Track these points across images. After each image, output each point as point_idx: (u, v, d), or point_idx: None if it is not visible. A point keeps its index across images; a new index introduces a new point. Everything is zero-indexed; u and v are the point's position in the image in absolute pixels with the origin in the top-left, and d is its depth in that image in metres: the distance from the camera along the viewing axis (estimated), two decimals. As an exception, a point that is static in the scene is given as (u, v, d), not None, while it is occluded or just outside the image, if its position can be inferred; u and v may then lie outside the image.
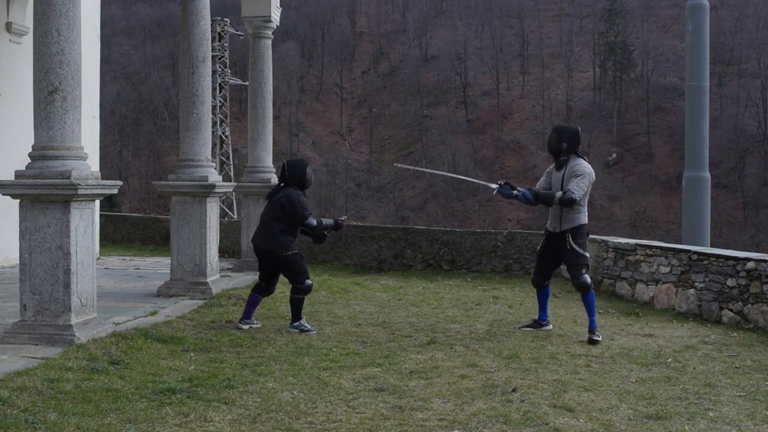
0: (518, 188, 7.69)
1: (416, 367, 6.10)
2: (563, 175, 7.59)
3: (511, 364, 6.26)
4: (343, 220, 8.04)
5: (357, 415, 4.78)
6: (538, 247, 8.15)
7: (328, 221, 7.90)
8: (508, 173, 70.85)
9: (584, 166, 7.56)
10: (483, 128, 77.70)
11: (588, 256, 7.70)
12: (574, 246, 7.55)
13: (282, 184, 7.77)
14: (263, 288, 7.90)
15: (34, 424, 4.35)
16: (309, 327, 7.69)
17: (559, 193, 7.47)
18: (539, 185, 7.88)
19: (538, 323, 7.94)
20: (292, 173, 7.72)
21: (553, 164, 7.79)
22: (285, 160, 7.97)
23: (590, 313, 7.48)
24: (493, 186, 7.88)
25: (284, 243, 7.61)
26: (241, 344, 6.85)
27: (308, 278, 7.75)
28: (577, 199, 7.41)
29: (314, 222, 7.69)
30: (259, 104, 12.22)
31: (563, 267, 11.85)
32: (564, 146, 7.61)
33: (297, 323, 7.69)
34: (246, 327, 7.62)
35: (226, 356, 6.36)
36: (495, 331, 7.76)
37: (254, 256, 11.91)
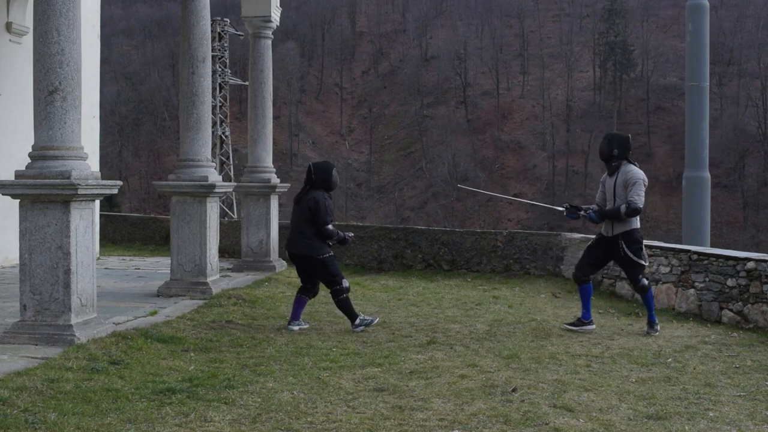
0: (584, 209, 8.03)
1: (416, 367, 6.10)
2: (615, 182, 7.86)
3: (511, 364, 6.26)
4: (349, 238, 8.06)
5: (357, 415, 4.78)
6: (588, 244, 8.33)
7: (341, 235, 7.91)
8: (508, 173, 70.92)
9: (636, 171, 7.79)
10: (483, 128, 77.69)
11: (644, 263, 7.91)
12: (630, 254, 7.80)
13: (308, 187, 7.81)
14: (308, 289, 7.94)
15: (34, 424, 4.35)
16: (371, 318, 7.79)
17: (623, 207, 7.71)
18: (598, 197, 8.15)
19: (581, 321, 7.95)
20: (318, 175, 7.78)
21: (606, 172, 8.06)
22: (310, 163, 8.02)
23: (649, 308, 7.83)
24: (560, 209, 8.29)
25: (320, 246, 7.70)
26: (241, 344, 6.85)
27: (343, 277, 7.83)
28: (641, 206, 7.66)
29: (332, 230, 7.72)
30: (259, 104, 12.22)
31: (564, 267, 11.87)
32: (615, 152, 7.86)
33: (358, 320, 7.73)
34: (296, 329, 7.64)
35: (226, 356, 6.36)
36: (495, 331, 7.76)
37: (254, 256, 11.99)
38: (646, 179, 7.83)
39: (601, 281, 10.71)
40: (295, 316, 7.83)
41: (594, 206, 8.04)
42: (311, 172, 7.81)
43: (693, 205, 13.98)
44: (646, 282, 7.88)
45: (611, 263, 9.01)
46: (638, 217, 7.85)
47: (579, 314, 8.22)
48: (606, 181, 8.02)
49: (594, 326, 7.95)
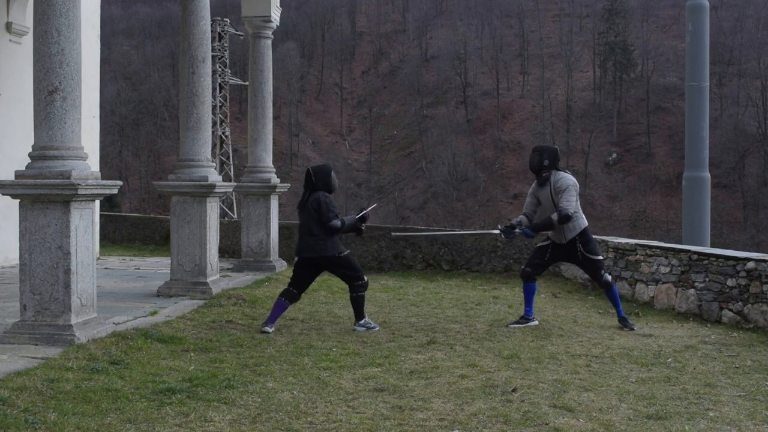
0: (518, 226, 8.21)
1: (416, 367, 6.10)
2: (550, 191, 8.05)
3: (511, 364, 6.26)
4: (367, 214, 8.09)
5: (357, 415, 4.78)
6: (539, 244, 8.43)
7: (350, 219, 7.96)
8: (507, 173, 70.93)
9: (566, 178, 8.02)
10: (483, 128, 77.69)
11: (601, 257, 8.17)
12: (587, 255, 8.03)
13: (308, 192, 7.84)
14: (295, 294, 7.92)
15: (34, 424, 4.35)
16: (374, 325, 7.80)
17: (554, 216, 7.92)
18: (526, 206, 8.35)
19: (525, 318, 8.10)
20: (319, 178, 7.85)
21: (536, 182, 8.24)
22: (308, 167, 8.07)
23: (616, 305, 8.10)
24: (496, 232, 8.48)
25: (337, 244, 7.75)
26: (241, 344, 6.85)
27: (363, 273, 7.92)
28: (572, 212, 7.86)
29: (338, 224, 7.74)
30: (259, 104, 12.22)
31: (564, 267, 11.87)
32: (546, 163, 8.08)
33: (363, 321, 7.78)
34: (270, 330, 7.57)
35: (226, 356, 6.36)
36: (495, 331, 7.76)
37: (254, 256, 11.99)
38: (577, 184, 8.07)
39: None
40: (272, 319, 7.69)
41: (522, 218, 8.23)
42: (311, 176, 7.86)
43: (693, 205, 13.98)
44: (609, 277, 8.12)
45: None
46: (583, 217, 8.06)
47: (522, 312, 8.34)
48: (539, 192, 8.20)
49: (537, 322, 8.12)
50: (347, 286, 7.98)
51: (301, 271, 7.88)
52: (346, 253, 7.82)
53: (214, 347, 6.68)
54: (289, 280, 8.16)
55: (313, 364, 6.14)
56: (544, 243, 8.29)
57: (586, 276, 11.05)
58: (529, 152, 8.29)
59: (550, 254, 8.20)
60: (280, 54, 70.54)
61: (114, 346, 6.21)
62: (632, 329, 7.82)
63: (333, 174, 7.93)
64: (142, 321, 7.48)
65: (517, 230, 8.19)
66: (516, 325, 7.98)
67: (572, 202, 7.88)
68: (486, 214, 65.70)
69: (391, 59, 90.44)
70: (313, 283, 11.01)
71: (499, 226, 8.39)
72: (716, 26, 63.75)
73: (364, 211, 8.15)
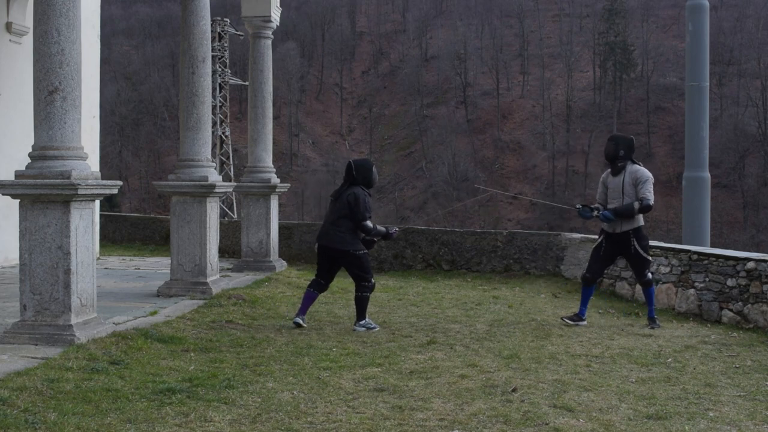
0: (597, 209, 8.23)
1: (416, 367, 6.10)
2: (623, 181, 8.12)
3: (511, 364, 6.26)
4: (394, 232, 8.18)
5: (357, 415, 4.78)
6: (594, 245, 8.49)
7: (381, 229, 8.00)
8: (507, 173, 70.94)
9: (644, 171, 8.13)
10: (483, 128, 77.68)
11: (651, 259, 8.31)
12: (640, 251, 8.13)
13: (348, 184, 7.87)
14: (322, 285, 8.00)
15: (34, 424, 4.35)
16: (374, 325, 7.82)
17: (636, 204, 7.98)
18: (599, 196, 8.43)
19: (579, 317, 8.21)
20: (359, 172, 7.88)
21: (608, 171, 8.34)
22: (350, 160, 8.12)
23: (650, 303, 8.21)
24: (576, 208, 8.51)
25: (356, 241, 7.79)
26: (241, 344, 6.85)
27: (373, 276, 7.93)
28: (653, 203, 8.01)
29: (370, 225, 7.80)
30: (259, 104, 12.22)
31: (563, 267, 11.87)
32: (621, 153, 8.16)
33: (364, 321, 7.81)
34: (303, 323, 7.68)
35: (226, 356, 6.36)
36: (495, 331, 7.76)
37: (254, 256, 11.98)
38: (653, 179, 8.14)
39: (601, 281, 10.71)
40: (302, 310, 7.87)
41: (598, 206, 8.29)
42: (352, 169, 7.87)
43: (693, 205, 13.98)
44: (651, 276, 8.25)
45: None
46: (642, 215, 8.15)
47: (577, 309, 8.45)
48: (610, 181, 8.26)
49: (585, 322, 8.23)
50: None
51: (322, 260, 7.96)
52: (362, 252, 7.82)
53: (214, 347, 6.68)
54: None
55: (313, 364, 6.14)
56: (598, 242, 8.39)
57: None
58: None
59: (603, 249, 8.25)
60: (280, 54, 70.53)
61: (114, 346, 6.20)
62: (657, 327, 7.94)
63: (374, 170, 7.99)
64: (142, 321, 7.48)
65: (595, 212, 8.19)
66: (569, 321, 8.13)
67: (652, 193, 8.01)
68: (486, 214, 65.70)
69: (391, 59, 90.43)
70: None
71: (578, 204, 8.44)
72: (716, 26, 63.74)
73: (394, 230, 8.20)
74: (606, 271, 10.52)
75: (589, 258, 8.66)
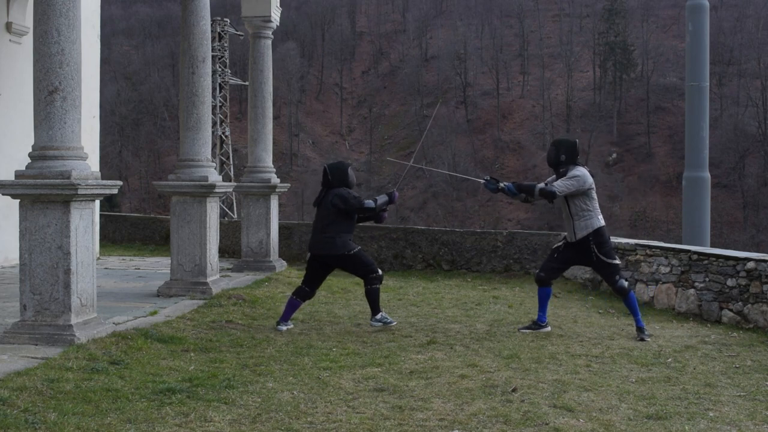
0: (503, 183, 7.85)
1: (416, 367, 6.10)
2: None
3: (511, 364, 6.26)
4: (394, 193, 8.12)
5: (357, 415, 4.78)
6: (554, 246, 8.14)
7: (382, 198, 8.00)
8: (507, 173, 70.88)
9: (578, 169, 7.65)
10: (483, 128, 77.68)
11: (617, 262, 7.74)
12: (602, 257, 7.63)
13: (325, 189, 7.87)
14: (307, 292, 7.96)
15: (34, 424, 4.35)
16: (391, 320, 7.82)
17: (540, 185, 7.65)
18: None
19: (537, 324, 7.85)
20: (335, 175, 7.87)
21: (553, 177, 7.87)
22: (325, 165, 8.08)
23: (634, 313, 7.65)
24: (480, 181, 8.13)
25: (346, 242, 7.77)
26: (241, 344, 6.85)
27: (377, 267, 7.92)
28: (557, 193, 7.53)
29: (372, 203, 7.82)
30: (259, 104, 12.22)
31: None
32: (562, 158, 7.73)
33: (379, 316, 7.82)
34: (284, 329, 7.64)
35: (226, 356, 6.36)
36: (495, 331, 7.76)
37: (254, 256, 11.98)
38: (587, 180, 7.57)
39: (601, 281, 10.70)
40: (285, 317, 7.83)
41: (505, 182, 7.87)
42: (327, 174, 7.87)
43: (693, 205, 13.98)
44: (625, 283, 7.70)
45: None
46: (598, 217, 7.65)
47: (536, 317, 8.02)
48: None
49: (550, 328, 7.84)
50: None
51: (312, 268, 7.94)
52: (356, 250, 7.82)
53: (214, 347, 6.68)
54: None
55: (313, 364, 6.14)
56: (558, 244, 8.05)
57: (587, 276, 11.06)
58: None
59: (562, 255, 7.83)
60: (280, 54, 70.52)
61: (114, 346, 6.20)
62: (646, 340, 7.34)
63: (350, 170, 7.98)
64: (142, 321, 7.48)
65: (501, 184, 7.78)
66: (527, 330, 7.75)
67: (566, 188, 7.51)
68: (486, 214, 65.71)
69: (391, 59, 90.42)
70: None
71: (485, 177, 8.02)
72: (716, 26, 63.75)
73: (393, 192, 8.10)
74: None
75: (546, 256, 8.27)
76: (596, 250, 7.60)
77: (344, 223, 7.79)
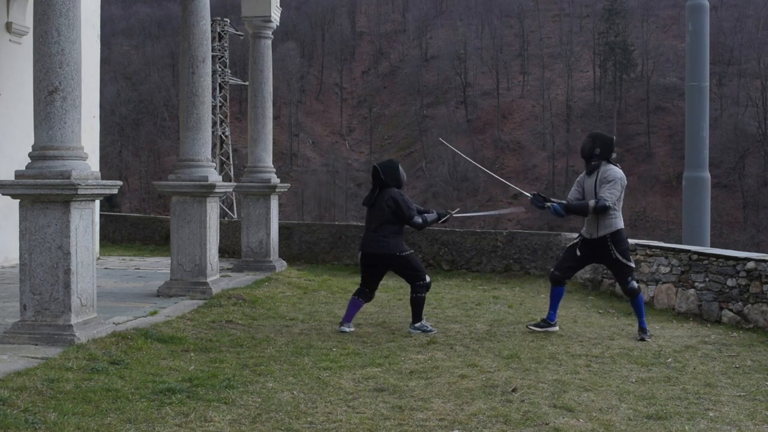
0: (551, 201, 7.75)
1: (416, 367, 6.10)
2: (595, 181, 7.64)
3: (511, 364, 6.26)
4: (447, 214, 8.09)
5: (357, 415, 4.78)
6: (569, 245, 8.05)
7: (431, 216, 7.97)
8: (507, 173, 70.90)
9: (615, 171, 7.58)
10: (483, 128, 77.71)
11: (633, 264, 7.74)
12: (619, 257, 7.59)
13: (378, 189, 7.82)
14: (366, 293, 7.93)
15: (34, 424, 4.35)
16: (431, 328, 7.72)
17: (592, 202, 7.50)
18: (571, 195, 7.91)
19: (546, 323, 7.81)
20: (387, 174, 7.82)
21: (584, 171, 7.80)
22: (375, 164, 8.03)
23: (639, 314, 7.61)
24: (528, 195, 7.95)
25: (399, 243, 7.74)
26: (241, 344, 6.85)
27: (426, 274, 7.86)
28: (611, 205, 7.47)
29: (419, 221, 7.79)
30: (259, 104, 12.22)
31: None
32: (597, 152, 7.65)
33: (419, 324, 7.72)
34: (348, 330, 7.62)
35: (226, 356, 6.36)
36: (495, 331, 7.76)
37: (254, 256, 11.98)
38: (625, 181, 7.62)
39: (601, 281, 10.71)
40: (347, 318, 7.77)
41: (553, 200, 7.80)
42: (380, 173, 7.81)
43: (693, 205, 13.97)
44: (636, 284, 7.68)
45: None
46: (621, 218, 7.65)
47: (538, 316, 8.06)
48: (585, 181, 7.79)
49: (557, 328, 7.82)
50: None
51: (365, 269, 7.91)
52: (407, 252, 7.77)
53: (214, 347, 6.68)
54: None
55: (313, 364, 6.14)
56: (574, 241, 7.94)
57: (587, 276, 11.06)
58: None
59: (580, 253, 7.76)
60: (280, 54, 70.54)
61: (114, 346, 6.20)
62: (646, 340, 7.35)
63: (401, 168, 7.92)
64: (142, 321, 7.48)
65: (548, 204, 7.70)
66: (536, 328, 7.73)
67: (614, 195, 7.46)
68: (486, 214, 65.62)
69: (391, 59, 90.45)
70: (313, 283, 11.05)
71: (533, 192, 7.92)
72: (716, 26, 63.78)
73: (448, 214, 8.08)
74: (606, 272, 10.53)
75: (562, 255, 8.20)
76: (614, 249, 7.57)
77: (398, 225, 7.75)
